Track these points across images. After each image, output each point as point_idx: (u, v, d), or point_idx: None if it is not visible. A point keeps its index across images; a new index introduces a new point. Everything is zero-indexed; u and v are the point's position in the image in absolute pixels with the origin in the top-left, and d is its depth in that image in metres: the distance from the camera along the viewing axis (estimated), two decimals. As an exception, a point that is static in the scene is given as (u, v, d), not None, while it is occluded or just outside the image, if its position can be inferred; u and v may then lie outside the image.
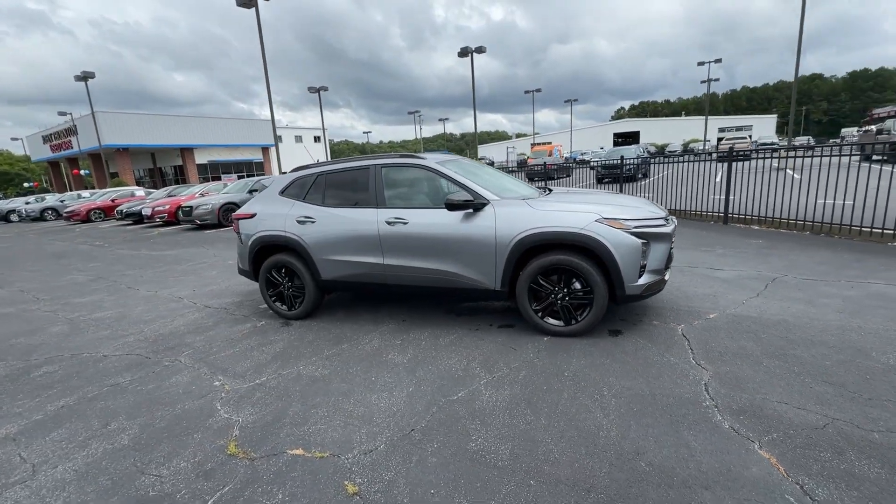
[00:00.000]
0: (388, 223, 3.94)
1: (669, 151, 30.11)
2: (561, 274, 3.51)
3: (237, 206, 14.02)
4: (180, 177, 40.75)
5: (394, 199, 4.10)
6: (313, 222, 4.26)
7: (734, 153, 9.12)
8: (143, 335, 4.48)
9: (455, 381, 3.03)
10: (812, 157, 7.03)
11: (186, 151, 39.29)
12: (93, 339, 4.46)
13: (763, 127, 65.64)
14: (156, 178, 43.21)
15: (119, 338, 4.45)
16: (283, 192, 4.60)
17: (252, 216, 4.61)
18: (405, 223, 3.89)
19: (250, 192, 14.48)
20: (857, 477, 1.89)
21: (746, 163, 11.46)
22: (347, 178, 4.32)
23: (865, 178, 6.35)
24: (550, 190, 4.43)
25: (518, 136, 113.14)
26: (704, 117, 50.81)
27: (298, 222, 4.32)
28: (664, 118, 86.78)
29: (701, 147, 39.39)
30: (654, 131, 69.72)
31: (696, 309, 3.93)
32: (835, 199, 6.83)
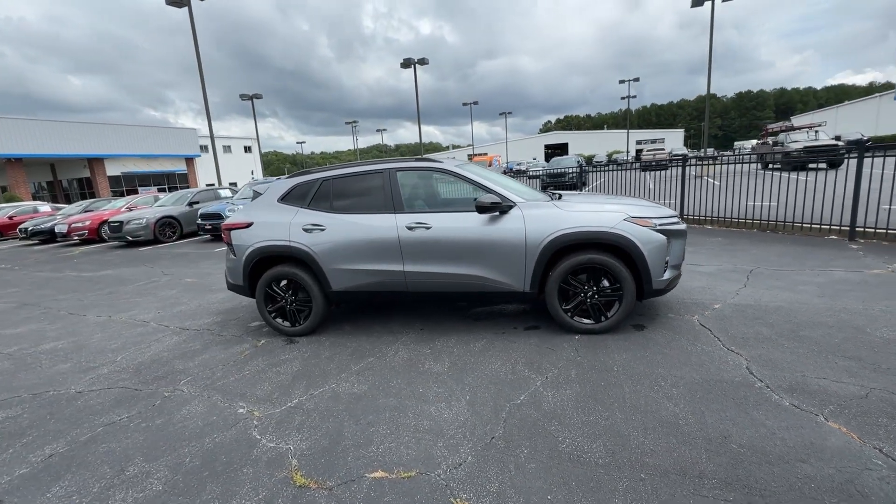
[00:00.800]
0: (409, 228, 3.80)
1: (597, 162, 32.64)
2: (589, 272, 3.60)
3: (176, 220, 12.82)
4: (87, 190, 36.34)
5: (412, 204, 3.97)
6: (322, 230, 3.99)
7: (657, 163, 10.49)
8: (119, 365, 3.89)
9: (509, 385, 2.97)
10: (723, 164, 8.06)
11: (95, 162, 35.10)
12: (52, 375, 3.78)
13: (673, 139, 72.99)
14: (56, 192, 38.14)
15: (87, 370, 3.82)
16: (282, 199, 4.26)
17: (248, 226, 4.22)
18: (428, 228, 3.77)
19: (190, 204, 13.32)
20: (917, 436, 2.13)
21: (665, 171, 12.60)
22: (358, 183, 4.11)
23: (771, 183, 7.32)
24: (560, 195, 4.55)
25: (453, 147, 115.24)
26: (626, 130, 55.62)
27: (305, 230, 4.03)
28: (589, 131, 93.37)
29: (624, 157, 42.84)
30: (581, 143, 74.67)
31: (700, 301, 4.22)
32: (762, 201, 7.78)
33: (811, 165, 17.40)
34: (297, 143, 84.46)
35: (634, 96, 52.23)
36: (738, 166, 7.34)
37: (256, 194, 4.53)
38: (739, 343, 3.27)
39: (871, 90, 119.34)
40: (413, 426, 2.59)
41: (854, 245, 5.88)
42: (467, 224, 3.72)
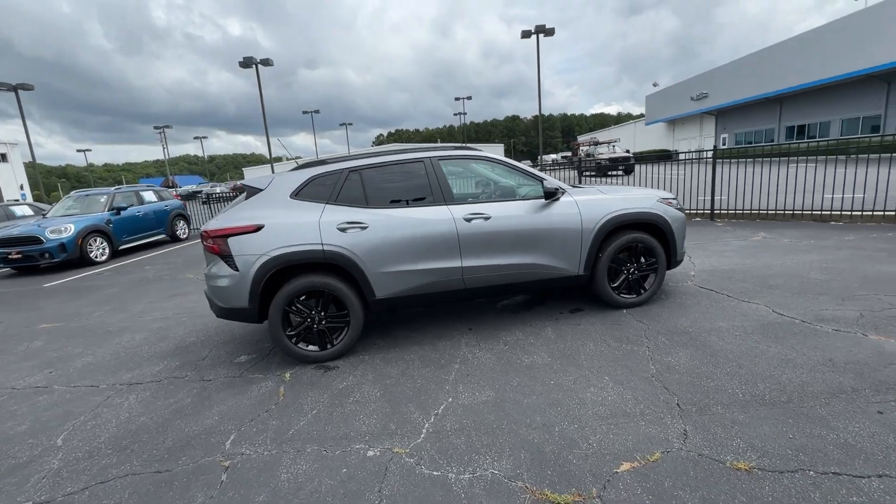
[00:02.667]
0: (467, 220, 3.54)
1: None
2: (629, 251, 3.96)
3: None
4: None
5: (462, 194, 3.71)
6: (364, 228, 3.38)
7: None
8: (95, 440, 2.56)
9: (627, 357, 3.06)
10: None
11: None
12: (-52, 493, 2.26)
13: (495, 153, 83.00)
14: None
15: (42, 459, 2.41)
16: (298, 195, 3.45)
17: (256, 230, 3.27)
18: (487, 218, 3.58)
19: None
20: (917, 334, 3.03)
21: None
22: (395, 174, 3.63)
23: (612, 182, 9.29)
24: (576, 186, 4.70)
25: (287, 159, 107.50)
26: (461, 144, 61.05)
27: (340, 230, 3.35)
28: (423, 144, 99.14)
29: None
30: (418, 155, 78.64)
31: (677, 271, 5.03)
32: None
33: (611, 172, 22.42)
34: (79, 151, 66.37)
35: (465, 113, 57.79)
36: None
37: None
38: (742, 296, 4.05)
39: (619, 118, 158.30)
40: (593, 415, 2.46)
41: (719, 222, 7.83)
42: (524, 212, 3.67)
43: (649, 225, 3.94)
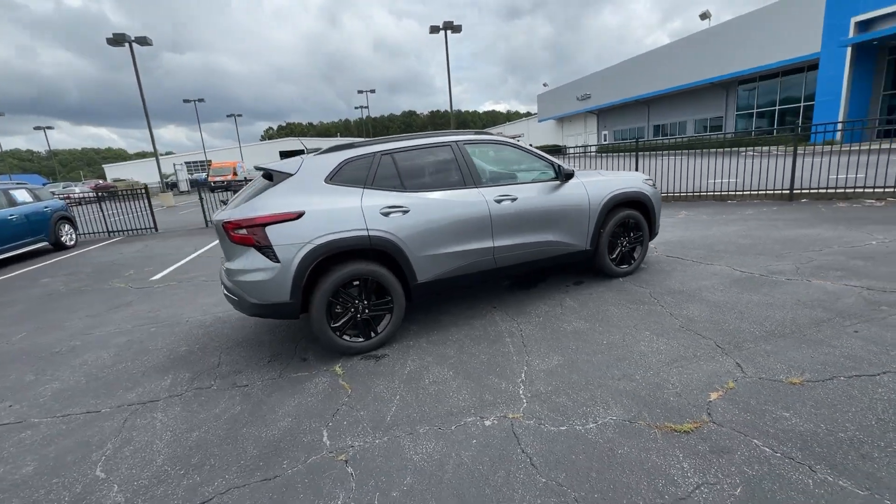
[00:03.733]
0: (497, 201, 3.70)
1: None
2: (623, 227, 4.47)
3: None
4: None
5: (487, 177, 3.84)
6: (406, 212, 3.34)
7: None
8: (151, 464, 2.19)
9: (649, 315, 3.51)
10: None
11: None
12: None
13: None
14: None
15: (93, 494, 2.00)
16: (332, 179, 3.26)
17: (297, 217, 3.03)
18: (514, 199, 3.77)
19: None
20: (852, 270, 3.98)
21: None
22: (426, 157, 3.63)
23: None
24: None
25: (171, 153, 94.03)
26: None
27: (383, 214, 3.26)
28: (326, 138, 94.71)
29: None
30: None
31: (638, 245, 5.75)
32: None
33: None
34: None
35: (367, 107, 56.57)
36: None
37: (272, 176, 3.22)
38: (704, 259, 4.85)
39: (509, 116, 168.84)
40: (657, 362, 2.82)
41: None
42: (544, 193, 3.95)
43: (638, 202, 4.50)
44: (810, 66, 22.34)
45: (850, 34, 19.07)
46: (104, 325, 4.58)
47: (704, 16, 30.50)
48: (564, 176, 4.02)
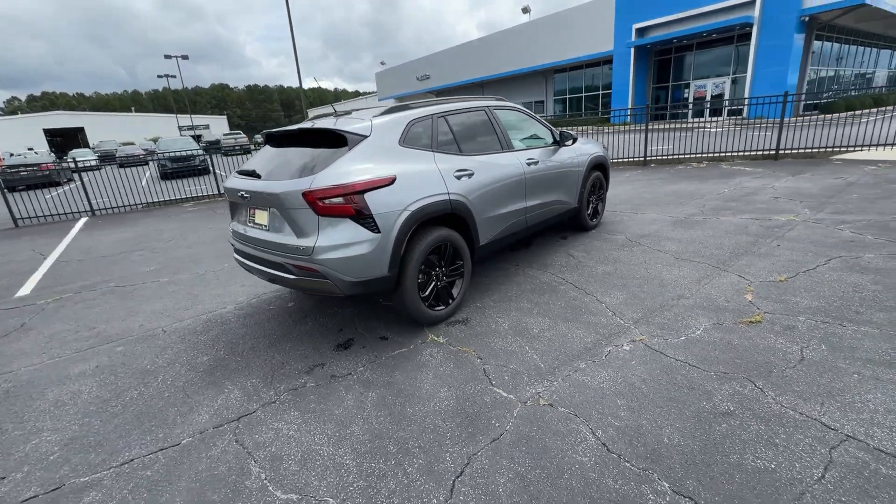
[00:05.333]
0: (528, 164, 3.96)
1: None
2: (593, 186, 5.22)
3: None
4: None
5: (514, 141, 4.03)
6: (471, 175, 3.34)
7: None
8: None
9: (655, 252, 4.33)
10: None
11: None
12: None
13: (218, 125, 72.06)
14: None
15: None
16: (403, 142, 3.03)
17: (391, 182, 2.76)
18: (536, 163, 4.09)
19: None
20: (734, 209, 5.52)
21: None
22: (472, 120, 3.65)
23: None
24: None
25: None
26: (175, 115, 49.83)
27: (457, 178, 3.22)
28: (117, 113, 75.20)
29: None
30: (103, 128, 59.62)
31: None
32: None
33: None
34: None
35: (174, 76, 47.36)
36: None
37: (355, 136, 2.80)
38: (636, 211, 6.03)
39: (337, 95, 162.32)
40: (691, 281, 3.59)
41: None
42: (553, 156, 4.36)
43: (602, 165, 5.31)
44: (606, 61, 27.90)
45: (633, 38, 24.47)
46: (17, 357, 3.26)
47: (526, 10, 34.73)
48: (573, 139, 4.51)
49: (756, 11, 19.39)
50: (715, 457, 1.85)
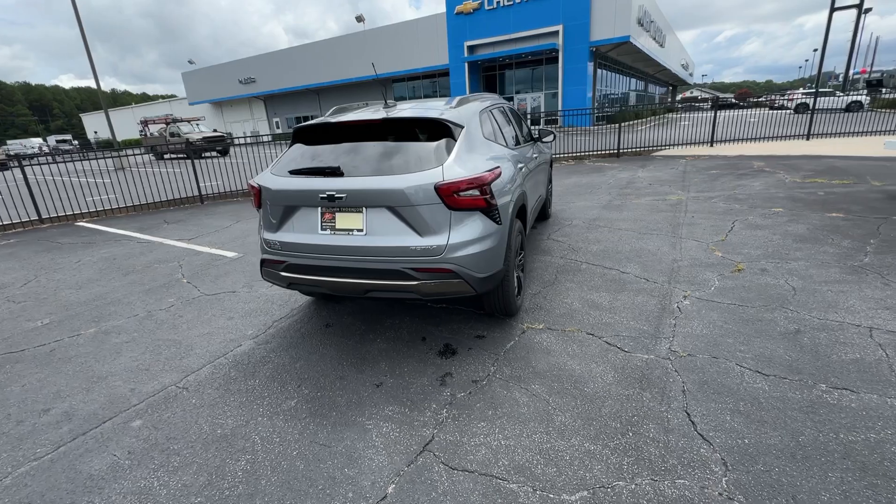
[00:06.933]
0: (534, 157, 4.26)
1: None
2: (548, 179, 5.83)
3: None
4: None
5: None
6: (521, 167, 3.48)
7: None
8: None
9: (616, 231, 5.11)
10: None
11: None
12: None
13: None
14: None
15: None
16: (483, 133, 2.97)
17: (500, 173, 2.69)
18: (536, 157, 4.42)
19: None
20: (651, 191, 6.86)
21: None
22: (503, 115, 3.78)
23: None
24: None
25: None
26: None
27: (519, 169, 3.30)
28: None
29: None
30: None
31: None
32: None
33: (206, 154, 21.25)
34: None
35: None
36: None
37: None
38: (567, 200, 6.93)
39: (116, 97, 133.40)
40: (669, 251, 4.43)
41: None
42: (538, 149, 4.75)
43: (552, 161, 5.96)
44: (442, 73, 30.15)
45: (465, 54, 27.11)
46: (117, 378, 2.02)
47: (360, 19, 34.73)
48: (551, 135, 4.96)
49: (560, 40, 23.75)
50: (814, 355, 2.48)
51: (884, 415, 2.05)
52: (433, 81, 31.90)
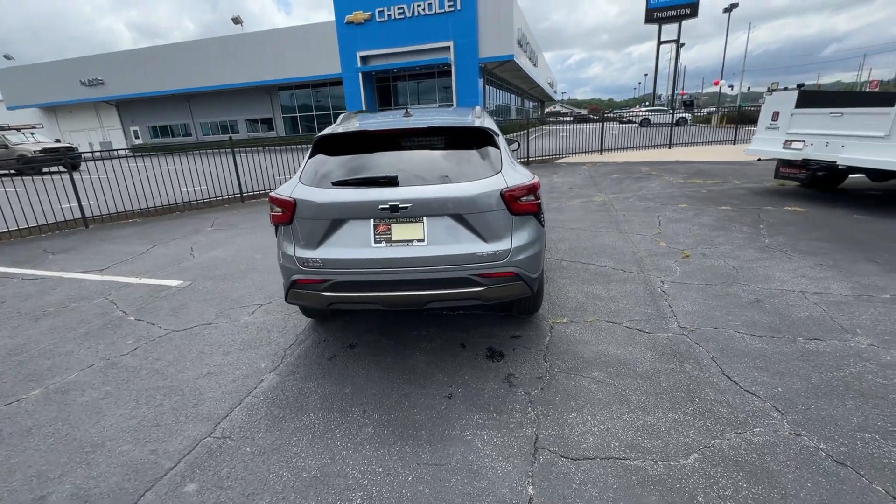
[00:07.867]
0: (512, 166, 4.52)
1: None
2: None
3: None
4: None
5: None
6: (523, 174, 3.68)
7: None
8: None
9: (614, 218, 5.65)
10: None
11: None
12: None
13: None
14: None
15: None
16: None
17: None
18: (510, 164, 4.68)
19: None
20: (587, 187, 7.62)
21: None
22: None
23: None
24: None
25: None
26: None
27: (526, 176, 3.51)
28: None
29: None
30: None
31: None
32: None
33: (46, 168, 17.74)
34: None
35: None
36: None
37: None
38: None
39: None
40: (650, 241, 5.06)
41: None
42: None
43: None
44: (333, 82, 29.27)
45: (359, 64, 26.75)
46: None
47: (237, 21, 31.81)
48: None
49: (452, 55, 24.93)
50: (780, 317, 3.15)
51: (850, 353, 2.70)
52: (317, 91, 30.92)
